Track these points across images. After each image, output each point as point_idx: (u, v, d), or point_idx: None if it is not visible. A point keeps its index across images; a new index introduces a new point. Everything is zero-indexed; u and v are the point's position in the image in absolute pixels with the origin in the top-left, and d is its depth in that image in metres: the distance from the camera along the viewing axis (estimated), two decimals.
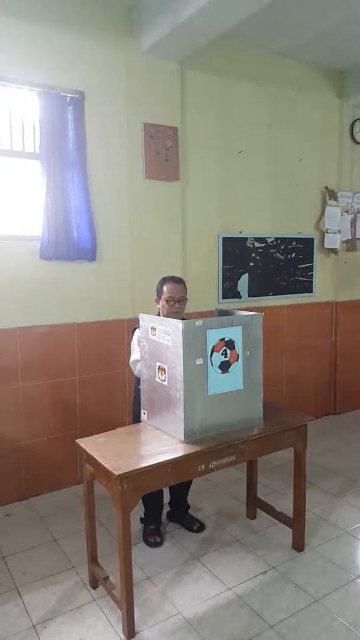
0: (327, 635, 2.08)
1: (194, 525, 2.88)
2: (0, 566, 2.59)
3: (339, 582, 2.42)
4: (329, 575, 2.46)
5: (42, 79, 3.12)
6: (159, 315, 2.69)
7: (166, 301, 2.67)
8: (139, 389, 2.58)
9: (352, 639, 2.07)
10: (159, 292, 2.72)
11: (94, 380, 3.49)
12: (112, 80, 3.39)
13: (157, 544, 2.73)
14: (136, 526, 2.83)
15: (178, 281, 2.73)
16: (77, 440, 2.34)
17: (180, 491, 2.92)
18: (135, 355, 2.65)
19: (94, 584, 2.40)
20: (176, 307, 2.67)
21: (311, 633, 2.09)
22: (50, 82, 3.14)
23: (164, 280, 2.73)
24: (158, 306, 2.74)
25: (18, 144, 3.18)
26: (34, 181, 3.22)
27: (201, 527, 2.88)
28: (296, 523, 2.66)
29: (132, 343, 2.71)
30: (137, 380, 2.68)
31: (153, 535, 2.77)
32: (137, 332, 2.63)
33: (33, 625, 2.17)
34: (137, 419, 2.64)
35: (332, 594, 2.33)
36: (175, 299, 2.67)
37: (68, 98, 3.20)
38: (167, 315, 2.62)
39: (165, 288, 2.70)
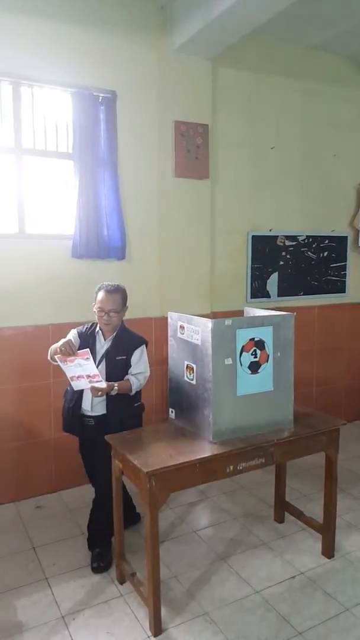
0: None
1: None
2: (31, 556, 2.65)
3: None
4: (359, 584, 2.40)
5: (74, 80, 3.16)
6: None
7: (96, 310, 2.52)
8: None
9: None
10: (94, 299, 2.55)
11: None
12: (144, 79, 3.40)
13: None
14: (163, 524, 2.83)
15: (112, 291, 2.51)
16: (106, 437, 2.35)
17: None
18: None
19: (121, 580, 2.42)
20: (105, 318, 2.50)
21: None
22: (82, 82, 3.18)
23: (99, 288, 2.55)
24: (94, 311, 2.57)
25: (52, 144, 3.23)
26: (67, 181, 3.27)
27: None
28: (326, 529, 2.60)
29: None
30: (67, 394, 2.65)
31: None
32: (72, 331, 2.59)
33: (62, 616, 2.21)
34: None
35: None
36: (105, 310, 2.49)
37: (100, 98, 3.23)
38: (100, 324, 2.57)
39: (97, 296, 2.53)
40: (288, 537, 2.79)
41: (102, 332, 2.57)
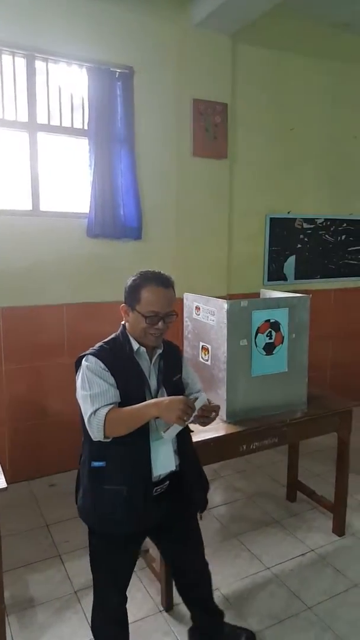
0: None
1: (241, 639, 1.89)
2: (44, 534, 2.71)
3: None
4: None
5: (91, 55, 3.11)
6: (125, 331, 1.68)
7: (145, 317, 1.58)
8: (94, 469, 1.59)
9: None
10: (133, 298, 1.61)
11: None
12: (162, 55, 3.34)
13: None
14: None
15: (167, 283, 1.63)
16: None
17: (201, 581, 1.88)
18: (88, 405, 1.53)
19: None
20: (160, 327, 1.60)
21: (350, 616, 2.08)
22: (99, 57, 3.13)
23: (144, 279, 1.62)
24: (125, 320, 1.68)
25: (67, 120, 3.20)
26: (82, 158, 3.24)
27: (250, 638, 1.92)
28: (337, 507, 2.63)
29: (81, 378, 1.59)
30: (87, 453, 1.62)
31: None
32: (82, 364, 1.61)
33: (75, 592, 2.27)
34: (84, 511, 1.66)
35: None
36: (160, 314, 1.59)
37: (117, 73, 3.18)
38: (141, 339, 1.63)
39: (144, 294, 1.59)
40: (299, 516, 2.82)
41: (144, 348, 1.65)
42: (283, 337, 2.36)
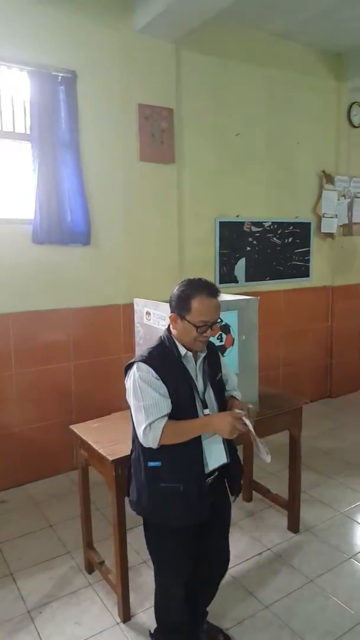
0: (320, 614, 2.11)
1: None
2: None
3: (333, 562, 2.44)
4: (323, 556, 2.49)
5: (32, 58, 3.04)
6: (170, 336, 1.73)
7: (195, 327, 1.64)
8: (150, 468, 1.67)
9: (345, 616, 2.10)
10: (182, 308, 1.66)
11: (89, 366, 3.47)
12: (106, 59, 3.31)
13: None
14: (131, 511, 2.83)
15: (216, 293, 1.68)
16: (72, 426, 2.33)
17: (209, 590, 1.98)
18: (142, 416, 1.62)
19: (90, 569, 2.41)
20: (207, 335, 1.68)
21: (305, 612, 2.12)
22: (40, 61, 3.06)
23: (193, 289, 1.66)
24: (173, 327, 1.72)
25: (8, 124, 3.10)
26: (24, 163, 3.15)
27: None
28: (291, 505, 2.68)
29: (134, 387, 1.66)
30: (141, 453, 1.70)
31: None
32: (134, 371, 1.67)
33: (28, 611, 2.18)
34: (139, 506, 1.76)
35: (326, 574, 2.36)
36: (209, 323, 1.66)
37: (59, 77, 3.12)
38: (188, 345, 1.69)
39: (195, 304, 1.63)
40: (255, 515, 2.85)
41: (190, 353, 1.73)
42: (233, 339, 2.39)
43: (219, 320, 1.72)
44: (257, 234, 4.26)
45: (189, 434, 1.63)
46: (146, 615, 2.13)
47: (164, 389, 1.64)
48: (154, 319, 2.40)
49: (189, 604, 1.87)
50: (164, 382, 1.65)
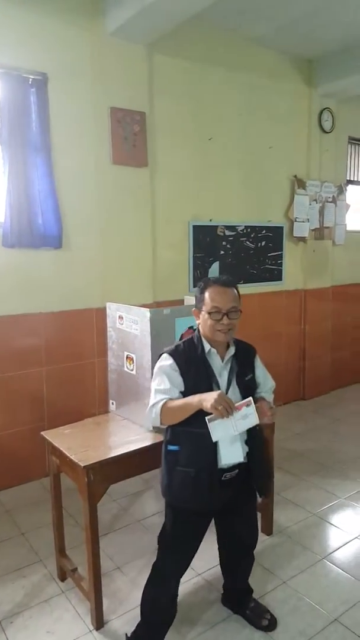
0: (293, 616, 2.13)
1: (262, 620, 2.07)
2: None
3: (306, 563, 2.47)
4: (296, 558, 2.51)
5: (2, 60, 2.99)
6: (199, 334, 1.84)
7: (209, 314, 1.76)
8: (170, 452, 1.81)
9: (318, 617, 2.12)
10: (199, 300, 1.83)
11: (62, 371, 3.43)
12: (77, 62, 3.28)
13: None
14: (104, 517, 2.81)
15: (228, 282, 1.82)
16: (43, 433, 2.29)
17: (238, 569, 2.13)
18: (152, 396, 1.78)
19: (62, 576, 2.38)
20: (224, 322, 1.75)
21: (278, 614, 2.13)
22: (10, 62, 3.01)
23: (207, 283, 1.83)
24: (198, 321, 1.85)
25: None
26: None
27: (272, 624, 2.07)
28: (265, 507, 2.69)
29: (155, 371, 1.84)
30: (167, 432, 1.85)
31: None
32: (160, 359, 1.83)
33: None
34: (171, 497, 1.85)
35: (299, 575, 2.39)
36: (223, 310, 1.75)
37: (30, 80, 3.08)
38: (211, 337, 1.79)
39: (207, 294, 1.79)
40: None
41: (214, 348, 1.82)
42: None
43: (236, 309, 1.78)
44: (231, 238, 4.30)
45: (186, 408, 1.70)
46: (120, 622, 2.11)
47: (178, 381, 1.77)
48: (126, 322, 2.39)
49: (226, 571, 2.14)
50: (184, 375, 1.77)
